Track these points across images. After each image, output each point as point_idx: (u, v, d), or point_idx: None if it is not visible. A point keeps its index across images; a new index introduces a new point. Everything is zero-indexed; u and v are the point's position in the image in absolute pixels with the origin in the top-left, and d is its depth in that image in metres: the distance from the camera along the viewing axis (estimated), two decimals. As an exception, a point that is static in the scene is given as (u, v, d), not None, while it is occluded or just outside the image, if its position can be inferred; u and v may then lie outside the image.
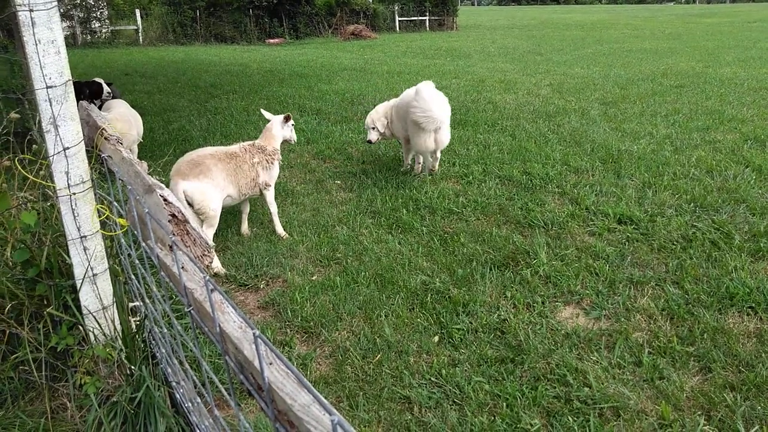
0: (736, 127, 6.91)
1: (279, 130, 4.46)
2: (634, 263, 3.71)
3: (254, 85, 11.72)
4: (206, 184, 3.79)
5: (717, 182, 5.02)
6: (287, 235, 4.34)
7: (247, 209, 4.45)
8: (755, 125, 6.95)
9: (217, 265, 3.81)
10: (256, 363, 1.03)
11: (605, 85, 10.57)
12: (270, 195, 4.33)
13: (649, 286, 3.43)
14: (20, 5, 1.92)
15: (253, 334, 1.00)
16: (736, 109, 7.91)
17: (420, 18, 29.82)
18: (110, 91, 6.50)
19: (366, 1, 28.09)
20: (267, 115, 4.55)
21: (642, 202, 4.65)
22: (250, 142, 4.30)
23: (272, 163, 4.30)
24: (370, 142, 5.65)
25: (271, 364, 1.04)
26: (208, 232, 3.80)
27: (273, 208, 4.35)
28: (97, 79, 6.56)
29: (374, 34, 25.83)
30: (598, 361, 2.78)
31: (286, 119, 4.53)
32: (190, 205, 3.73)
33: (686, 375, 2.67)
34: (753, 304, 3.17)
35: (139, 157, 5.65)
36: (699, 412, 2.43)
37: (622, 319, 3.12)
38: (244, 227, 4.44)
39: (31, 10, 1.93)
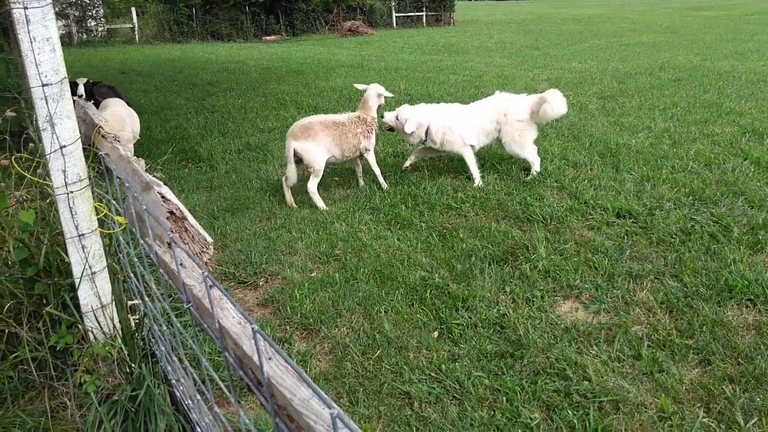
0: (735, 120, 6.91)
1: (375, 100, 5.11)
2: (633, 257, 3.71)
3: (251, 83, 11.70)
4: (312, 144, 4.70)
5: (715, 175, 5.02)
6: (387, 186, 5.12)
7: (359, 169, 5.36)
8: (753, 118, 6.95)
9: (289, 198, 4.89)
10: (256, 358, 1.03)
11: (603, 79, 10.56)
12: (372, 158, 5.12)
13: (648, 279, 3.43)
14: (15, 3, 1.91)
15: (252, 329, 1.00)
16: (734, 102, 7.91)
17: (417, 14, 29.75)
18: (82, 93, 6.35)
19: (363, -3, 28.02)
20: (361, 87, 5.21)
21: (640, 196, 4.65)
22: (356, 114, 5.03)
23: (371, 131, 5.03)
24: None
25: (270, 359, 1.04)
26: (314, 182, 4.78)
27: (376, 169, 5.14)
28: (78, 80, 6.49)
29: (371, 30, 25.76)
30: (597, 355, 2.78)
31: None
32: (300, 161, 4.75)
33: (685, 368, 2.67)
34: (752, 297, 3.17)
35: (137, 155, 5.63)
36: (698, 405, 2.44)
37: (621, 312, 3.12)
38: (361, 182, 5.33)
39: (25, 8, 1.92)
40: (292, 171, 4.78)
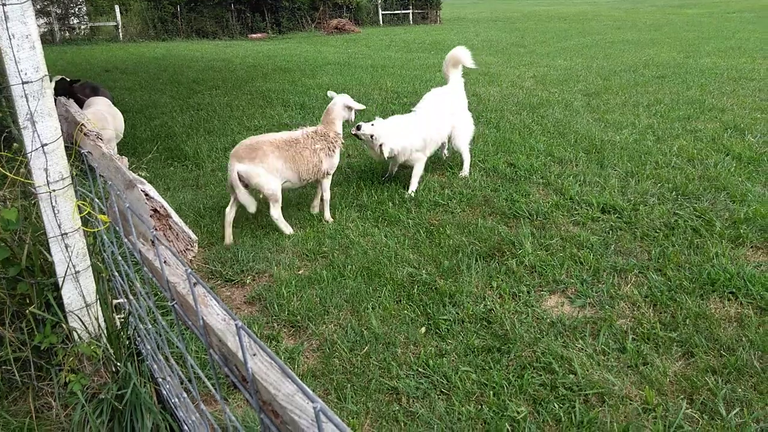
0: (717, 117, 7.01)
1: (341, 113, 4.39)
2: (618, 251, 3.75)
3: (237, 81, 11.62)
4: (259, 167, 4.03)
5: (698, 170, 5.08)
6: (332, 220, 4.50)
7: (320, 193, 4.56)
8: (735, 114, 7.05)
9: (228, 235, 4.18)
10: (240, 354, 1.03)
11: (588, 76, 10.64)
12: (327, 182, 4.44)
13: (632, 273, 3.47)
14: (-7, -1, 1.88)
15: (236, 325, 1.00)
16: (716, 99, 8.01)
17: (403, 11, 29.74)
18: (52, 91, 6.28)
19: (349, -6, 27.94)
20: (332, 94, 4.55)
21: (625, 192, 4.70)
22: (315, 128, 4.33)
23: (334, 149, 4.34)
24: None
25: (254, 355, 1.04)
26: (276, 208, 4.17)
27: (327, 195, 4.47)
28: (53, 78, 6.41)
29: (358, 28, 25.71)
30: (583, 349, 2.81)
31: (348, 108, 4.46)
32: (246, 185, 4.07)
33: (669, 360, 2.71)
34: (734, 290, 3.22)
35: (121, 154, 5.57)
36: (682, 396, 2.48)
37: (606, 306, 3.16)
38: (316, 207, 4.65)
39: (3, 5, 1.89)
40: (244, 196, 4.04)
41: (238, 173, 4.00)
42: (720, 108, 7.44)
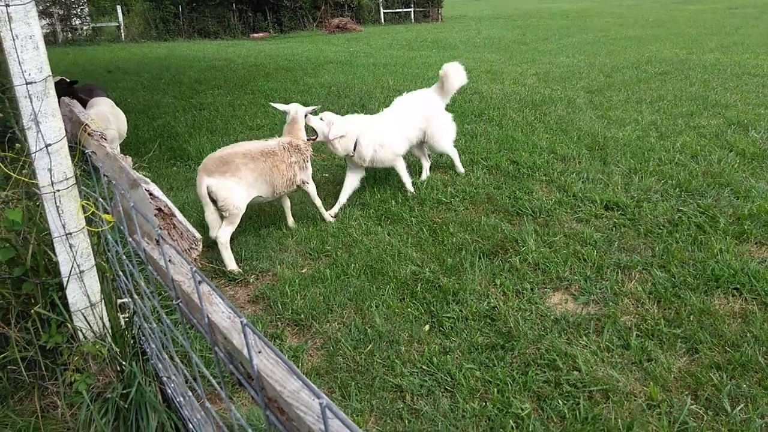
0: (720, 113, 6.98)
1: (303, 120, 4.29)
2: (622, 248, 3.75)
3: (239, 80, 11.63)
4: (231, 181, 3.72)
5: (702, 167, 5.07)
6: (334, 219, 4.48)
7: (288, 204, 4.38)
8: (738, 110, 7.02)
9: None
10: (245, 352, 1.03)
11: (590, 73, 10.61)
12: (311, 188, 4.33)
13: (636, 270, 3.47)
14: (-4, 0, 1.89)
15: (241, 322, 1.00)
16: (719, 95, 7.98)
17: (405, 10, 29.70)
18: None
19: (350, -7, 27.92)
20: (280, 107, 4.32)
21: (628, 188, 4.69)
22: (288, 139, 4.15)
23: (307, 160, 4.22)
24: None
25: (260, 352, 1.04)
26: (227, 230, 3.75)
27: (317, 201, 4.40)
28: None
29: (359, 27, 25.68)
30: (587, 345, 2.81)
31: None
32: (214, 201, 3.71)
33: (673, 356, 2.71)
34: (738, 286, 3.21)
35: (124, 154, 5.57)
36: (686, 392, 2.47)
37: (610, 303, 3.15)
38: (290, 221, 4.42)
39: (7, 5, 1.90)
40: (212, 215, 3.73)
41: (207, 188, 3.67)
42: (723, 104, 7.41)
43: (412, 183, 5.01)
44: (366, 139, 4.65)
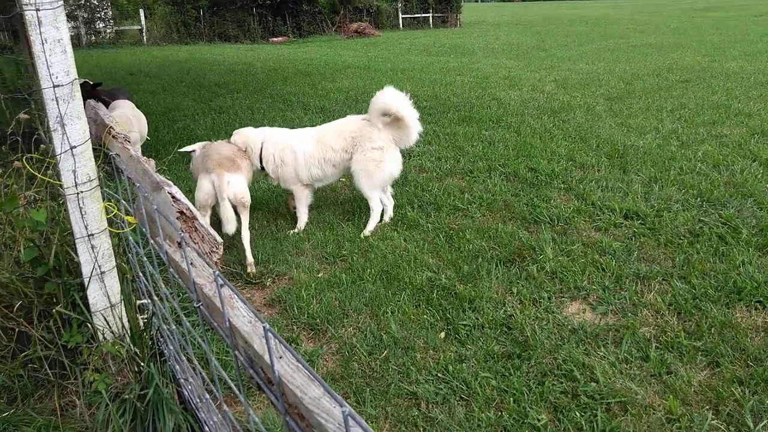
0: (743, 122, 6.87)
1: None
2: (641, 258, 3.70)
3: (258, 84, 11.74)
4: (242, 177, 3.99)
5: (724, 177, 4.99)
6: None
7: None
8: (762, 119, 6.90)
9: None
10: (267, 357, 1.03)
11: (610, 80, 10.52)
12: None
13: (656, 281, 3.42)
14: (27, 5, 1.93)
15: (264, 328, 1.01)
16: (742, 104, 7.86)
17: (423, 15, 29.76)
18: None
19: (369, -2, 28.05)
20: (189, 148, 4.31)
21: (648, 197, 4.63)
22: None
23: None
24: None
25: (281, 357, 1.04)
26: (247, 223, 3.94)
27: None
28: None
29: (377, 32, 25.78)
30: (605, 356, 2.77)
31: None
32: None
33: (694, 370, 2.66)
34: (761, 299, 3.15)
35: (144, 156, 5.65)
36: (707, 407, 2.43)
37: (629, 314, 3.11)
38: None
39: (37, 10, 1.94)
40: (230, 211, 3.80)
41: (228, 183, 3.80)
42: (747, 113, 7.29)
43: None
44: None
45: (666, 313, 3.10)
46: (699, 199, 4.53)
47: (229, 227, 3.78)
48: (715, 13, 29.94)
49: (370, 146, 4.27)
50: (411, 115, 4.27)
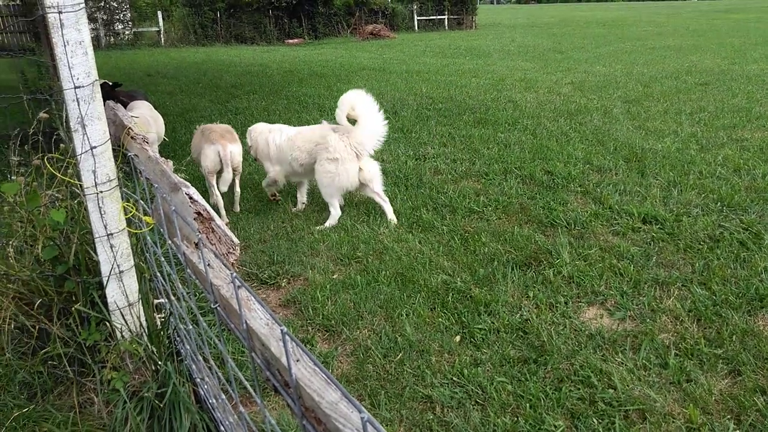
0: (765, 125, 6.76)
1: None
2: (660, 263, 3.65)
3: (274, 86, 11.80)
4: (240, 147, 4.80)
5: (745, 181, 4.91)
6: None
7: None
8: (784, 123, 6.78)
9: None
10: (284, 360, 1.03)
11: (628, 83, 10.41)
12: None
13: (675, 286, 3.37)
14: (49, 7, 1.95)
15: (281, 330, 1.00)
16: (764, 107, 7.73)
17: (439, 17, 29.72)
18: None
19: (384, 0, 28.08)
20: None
21: (667, 202, 4.57)
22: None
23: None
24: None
25: (298, 360, 1.04)
26: (238, 177, 4.86)
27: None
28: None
29: (393, 34, 25.80)
30: (623, 363, 2.74)
31: None
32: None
33: (714, 378, 2.61)
34: (784, 306, 3.09)
35: (164, 157, 5.70)
36: (728, 416, 2.38)
37: (648, 320, 3.07)
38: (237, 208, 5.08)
39: (60, 12, 1.96)
40: (230, 175, 4.64)
41: (231, 153, 4.61)
42: (768, 116, 7.17)
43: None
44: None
45: (685, 319, 3.05)
46: (719, 203, 4.46)
47: (225, 187, 4.65)
48: (736, 15, 29.51)
49: (326, 157, 4.46)
50: (367, 114, 4.50)
